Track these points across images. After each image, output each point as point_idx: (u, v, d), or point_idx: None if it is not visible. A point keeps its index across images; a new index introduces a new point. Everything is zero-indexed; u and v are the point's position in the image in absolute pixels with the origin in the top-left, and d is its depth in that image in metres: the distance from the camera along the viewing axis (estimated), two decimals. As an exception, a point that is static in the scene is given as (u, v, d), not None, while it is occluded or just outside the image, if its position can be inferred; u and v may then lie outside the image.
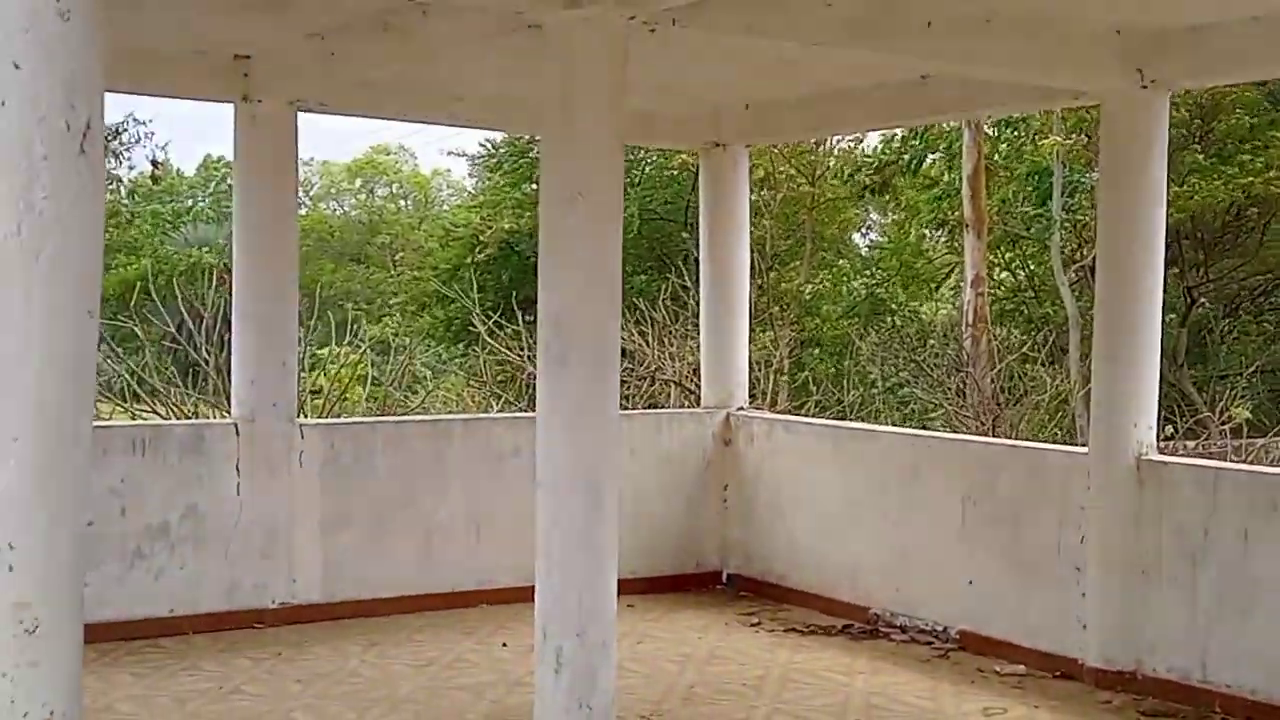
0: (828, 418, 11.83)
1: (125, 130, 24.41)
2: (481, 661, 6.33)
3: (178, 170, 34.45)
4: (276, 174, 7.09)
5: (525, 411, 9.39)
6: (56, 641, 2.40)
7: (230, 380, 7.41)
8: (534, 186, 20.42)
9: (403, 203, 37.75)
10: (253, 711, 5.51)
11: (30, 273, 2.61)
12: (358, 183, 38.41)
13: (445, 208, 34.37)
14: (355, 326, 12.60)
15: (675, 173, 20.03)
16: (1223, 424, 12.57)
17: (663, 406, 11.41)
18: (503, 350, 12.44)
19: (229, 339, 7.44)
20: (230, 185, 9.21)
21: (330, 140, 52.93)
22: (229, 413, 7.63)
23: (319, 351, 12.54)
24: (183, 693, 5.73)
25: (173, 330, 11.53)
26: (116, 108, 22.86)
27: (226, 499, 6.89)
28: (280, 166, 7.10)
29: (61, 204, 2.63)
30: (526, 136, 18.82)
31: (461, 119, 8.33)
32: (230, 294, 7.26)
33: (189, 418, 10.28)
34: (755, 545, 8.06)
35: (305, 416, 8.73)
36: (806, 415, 12.04)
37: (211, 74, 6.85)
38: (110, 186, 25.38)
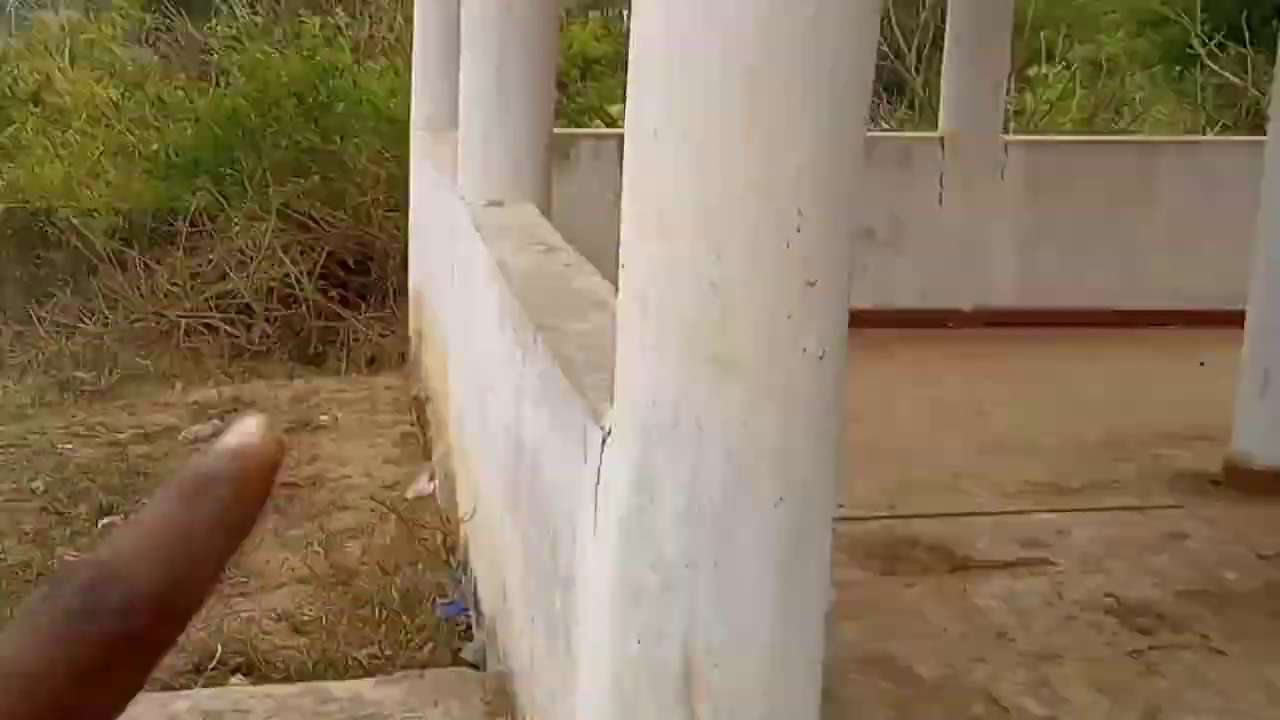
0: None
1: None
2: (1177, 377, 6.30)
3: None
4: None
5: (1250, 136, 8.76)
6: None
7: (939, 97, 7.66)
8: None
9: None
10: (946, 398, 6.00)
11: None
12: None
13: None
14: (1066, 46, 12.25)
15: None
16: None
17: None
18: (1225, 74, 11.53)
19: (937, 58, 7.64)
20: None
21: None
22: (935, 128, 7.92)
23: (1027, 72, 12.35)
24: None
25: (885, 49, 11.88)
26: None
27: (929, 209, 7.27)
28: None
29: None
30: None
31: None
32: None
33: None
34: None
35: (1010, 134, 8.83)
36: None
37: None
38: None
